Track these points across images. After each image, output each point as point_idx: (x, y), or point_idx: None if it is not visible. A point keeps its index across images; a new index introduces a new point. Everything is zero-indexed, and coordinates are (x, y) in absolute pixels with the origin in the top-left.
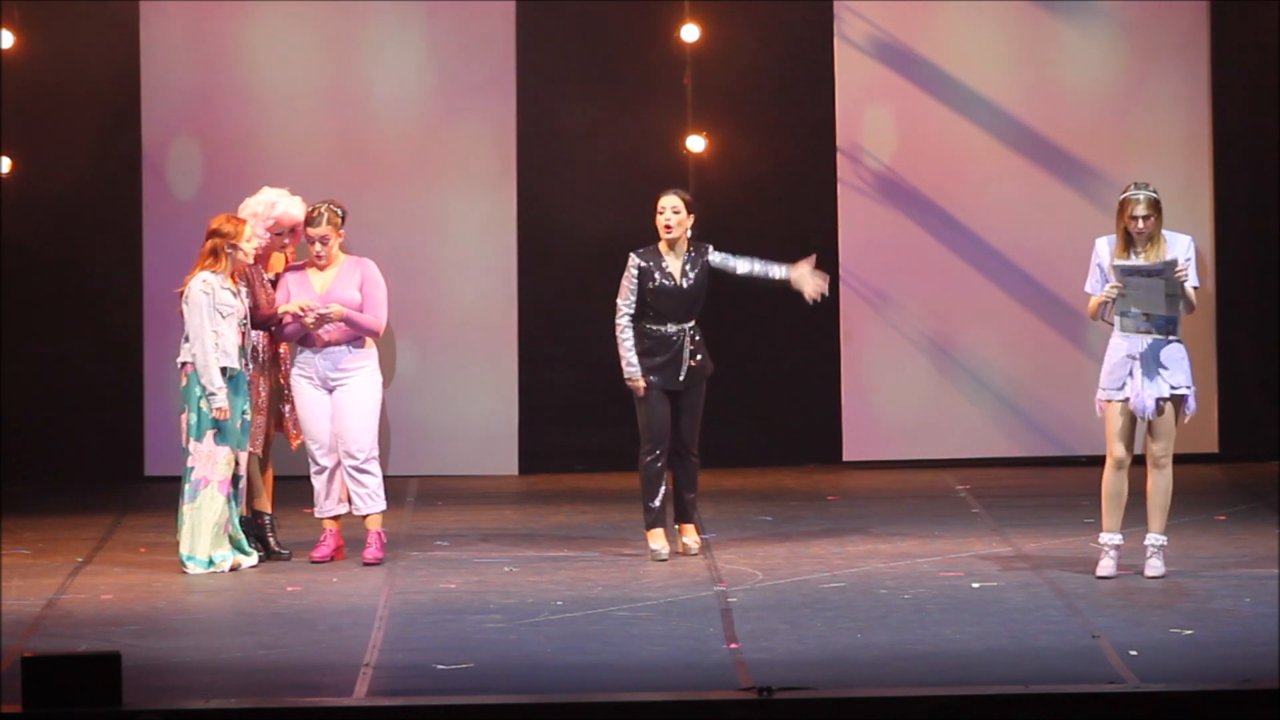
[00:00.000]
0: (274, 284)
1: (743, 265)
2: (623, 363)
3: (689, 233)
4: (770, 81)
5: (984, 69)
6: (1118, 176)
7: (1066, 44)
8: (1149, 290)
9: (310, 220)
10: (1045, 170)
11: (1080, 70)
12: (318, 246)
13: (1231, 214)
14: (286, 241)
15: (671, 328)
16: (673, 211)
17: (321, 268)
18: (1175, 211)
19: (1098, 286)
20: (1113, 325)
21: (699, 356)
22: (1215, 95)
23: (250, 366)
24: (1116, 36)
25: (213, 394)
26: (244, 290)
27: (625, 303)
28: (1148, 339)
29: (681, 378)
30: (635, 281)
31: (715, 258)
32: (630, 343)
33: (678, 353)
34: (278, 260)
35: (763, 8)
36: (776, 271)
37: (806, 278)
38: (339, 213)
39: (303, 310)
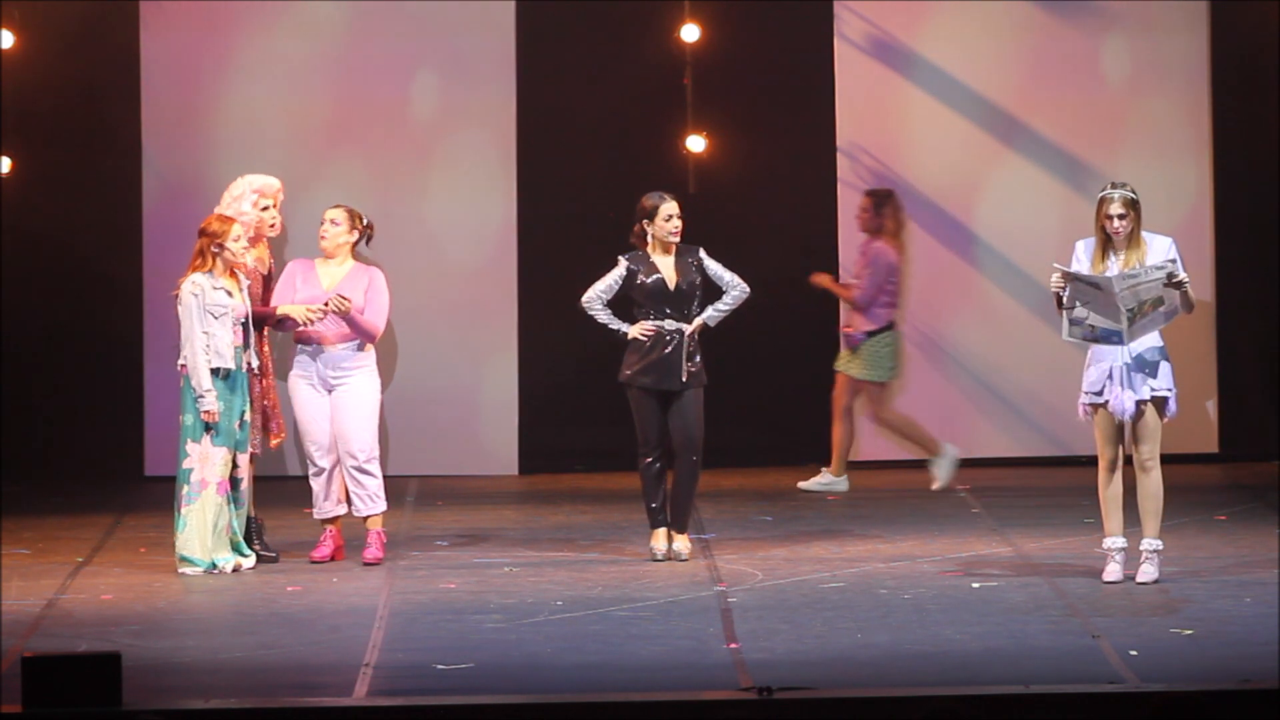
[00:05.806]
0: (268, 280)
1: (724, 282)
2: (610, 326)
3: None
4: (770, 81)
5: (984, 69)
6: (1118, 177)
7: (1066, 43)
8: (1097, 301)
9: (332, 207)
10: (1045, 171)
11: (1080, 70)
12: (326, 225)
13: (1231, 214)
14: (270, 207)
15: (670, 325)
16: (678, 217)
17: (325, 251)
18: (1175, 211)
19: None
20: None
21: (697, 358)
22: (1215, 95)
23: (252, 365)
24: (1116, 36)
25: (200, 396)
26: (242, 288)
27: (596, 291)
28: (1130, 344)
29: (684, 378)
30: (618, 283)
31: (710, 264)
32: (606, 313)
33: (676, 350)
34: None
35: (763, 8)
36: (721, 304)
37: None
38: (363, 218)
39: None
